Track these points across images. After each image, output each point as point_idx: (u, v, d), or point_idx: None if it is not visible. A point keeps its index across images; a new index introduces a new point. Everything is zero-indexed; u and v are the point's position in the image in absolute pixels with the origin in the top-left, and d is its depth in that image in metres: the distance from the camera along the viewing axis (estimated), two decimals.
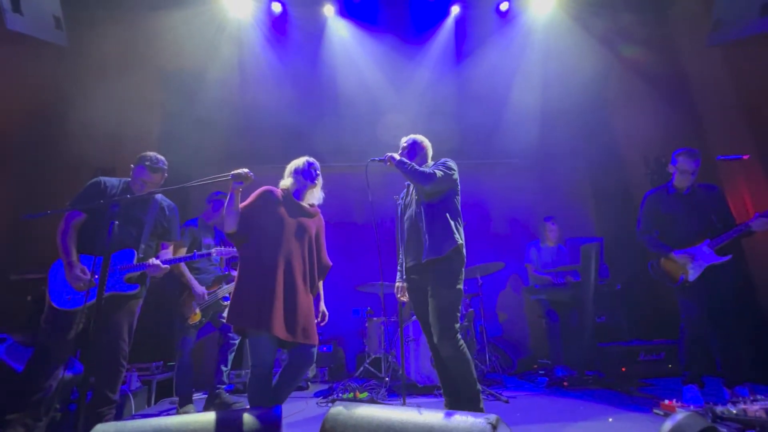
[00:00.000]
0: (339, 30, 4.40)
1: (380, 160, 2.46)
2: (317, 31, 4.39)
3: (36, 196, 3.60)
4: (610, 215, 5.17)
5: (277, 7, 4.14)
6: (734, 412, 2.22)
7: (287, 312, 2.00)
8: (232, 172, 2.03)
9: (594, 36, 4.28)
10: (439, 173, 2.31)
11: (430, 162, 2.57)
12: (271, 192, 2.24)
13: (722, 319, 2.71)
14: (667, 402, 2.53)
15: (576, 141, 4.99)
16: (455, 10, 4.34)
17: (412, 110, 4.82)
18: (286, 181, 2.32)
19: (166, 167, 2.49)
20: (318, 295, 2.28)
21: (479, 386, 2.19)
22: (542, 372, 4.08)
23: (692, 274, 2.71)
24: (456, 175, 2.41)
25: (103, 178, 2.43)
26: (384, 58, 4.53)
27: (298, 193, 2.31)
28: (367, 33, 4.42)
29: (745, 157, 2.70)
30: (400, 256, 2.54)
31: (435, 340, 2.21)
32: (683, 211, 2.83)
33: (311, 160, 2.37)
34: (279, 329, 1.94)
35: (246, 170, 2.07)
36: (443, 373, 2.35)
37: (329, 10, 4.25)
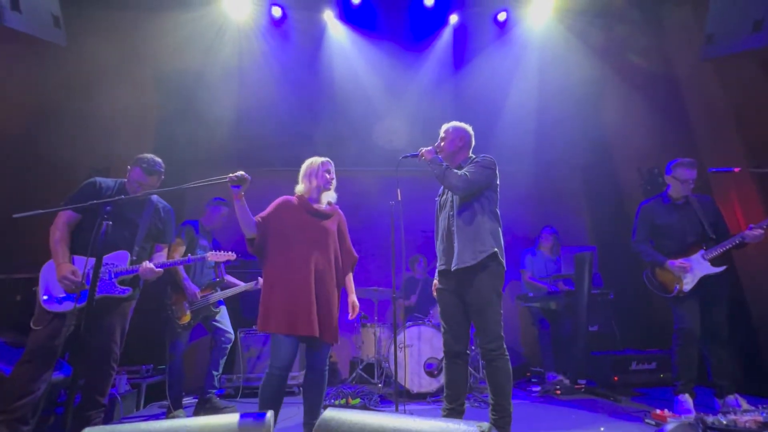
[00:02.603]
0: (338, 35, 4.42)
1: (412, 156, 2.36)
2: (316, 35, 4.40)
3: (29, 195, 3.55)
4: (604, 224, 5.21)
5: (277, 12, 4.16)
6: (725, 422, 2.24)
7: (321, 313, 2.09)
8: (229, 176, 2.01)
9: (589, 47, 4.34)
10: (471, 176, 2.14)
11: (471, 155, 2.39)
12: (287, 201, 2.27)
13: (715, 330, 2.74)
14: (658, 412, 2.55)
15: (570, 150, 5.04)
16: (453, 18, 4.39)
17: (409, 116, 4.84)
18: (300, 187, 2.32)
19: (162, 170, 2.47)
20: (346, 289, 2.33)
21: (512, 406, 2.09)
22: (535, 380, 4.08)
23: (687, 285, 2.73)
24: (494, 174, 2.24)
25: (98, 179, 2.40)
26: (382, 64, 4.55)
27: (312, 198, 2.31)
28: (365, 39, 4.45)
29: (737, 170, 2.74)
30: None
31: (479, 348, 2.17)
32: (678, 222, 2.86)
33: (325, 161, 2.34)
34: (313, 329, 2.04)
35: (241, 173, 2.05)
36: (453, 380, 2.23)
37: (329, 16, 4.28)
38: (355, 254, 2.38)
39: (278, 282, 2.09)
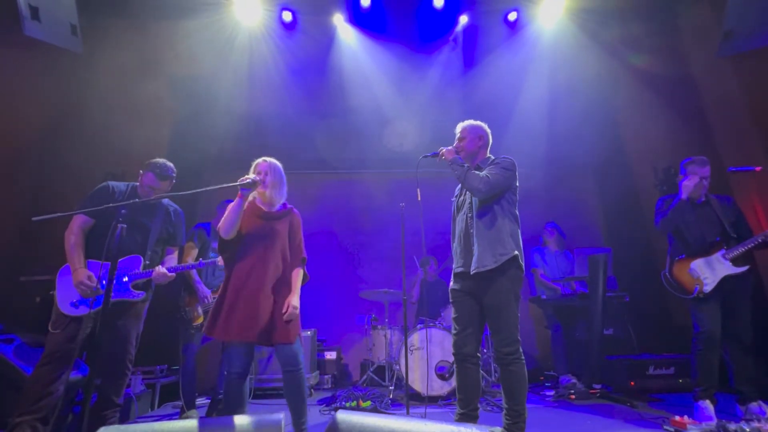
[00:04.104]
0: (348, 38, 4.45)
1: (432, 156, 2.32)
2: (326, 39, 4.44)
3: (48, 199, 3.65)
4: (618, 225, 5.11)
5: (287, 16, 4.20)
6: (748, 430, 2.17)
7: (262, 316, 2.04)
8: (241, 180, 2.06)
9: (602, 46, 4.27)
10: (492, 178, 2.12)
11: (489, 155, 2.36)
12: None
13: (738, 333, 2.65)
14: (677, 418, 2.48)
15: (584, 150, 4.97)
16: (463, 19, 4.37)
17: (420, 118, 4.83)
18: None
19: (174, 174, 2.50)
20: (293, 289, 2.19)
21: (526, 412, 2.05)
22: (548, 384, 4.01)
23: (707, 285, 2.65)
24: (514, 176, 2.22)
25: (111, 183, 2.44)
26: (392, 66, 4.56)
27: (258, 200, 2.27)
28: (375, 42, 4.46)
29: (758, 169, 2.65)
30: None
31: (494, 351, 2.15)
32: (696, 221, 2.79)
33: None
34: (229, 333, 2.01)
35: (253, 177, 2.10)
36: (464, 384, 2.20)
37: (338, 19, 4.31)
38: (304, 253, 2.28)
39: (225, 287, 2.11)
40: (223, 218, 2.10)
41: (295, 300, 2.13)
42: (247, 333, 2.01)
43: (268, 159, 2.26)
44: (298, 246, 2.28)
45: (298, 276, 2.21)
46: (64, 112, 3.78)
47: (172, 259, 2.57)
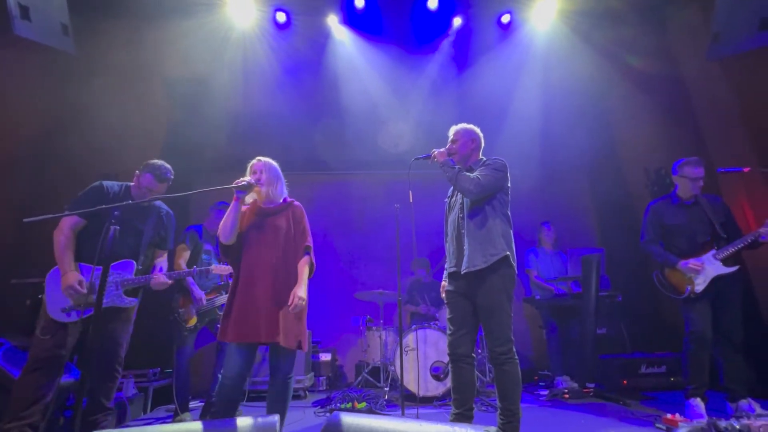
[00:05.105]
0: (342, 40, 4.45)
1: (424, 158, 2.34)
2: (321, 40, 4.43)
3: (41, 200, 3.60)
4: (611, 226, 5.16)
5: (281, 17, 4.20)
6: (738, 427, 2.20)
7: (273, 317, 2.00)
8: (236, 182, 2.05)
9: (595, 48, 4.32)
10: (483, 179, 2.14)
11: (482, 157, 2.39)
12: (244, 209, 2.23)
13: (729, 333, 2.68)
14: (669, 416, 2.51)
15: (577, 152, 5.01)
16: (457, 21, 4.39)
17: (414, 119, 4.85)
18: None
19: (172, 177, 2.46)
20: (300, 280, 2.11)
21: (521, 412, 2.06)
22: (543, 384, 4.04)
23: (699, 286, 2.68)
24: (505, 177, 2.23)
25: (104, 182, 2.38)
26: (386, 67, 4.57)
27: (257, 201, 2.24)
28: (369, 43, 4.48)
29: (746, 170, 2.70)
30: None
31: (488, 351, 2.15)
32: (688, 222, 2.83)
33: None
34: (233, 335, 1.97)
35: (248, 179, 2.10)
36: (460, 384, 2.20)
37: (333, 20, 4.31)
38: (309, 243, 2.21)
39: (233, 290, 2.06)
40: (221, 224, 2.07)
41: (301, 291, 2.05)
42: (249, 333, 1.96)
43: (263, 158, 2.24)
44: (302, 233, 2.21)
45: (304, 266, 2.15)
46: (58, 112, 3.73)
47: (163, 263, 2.53)
